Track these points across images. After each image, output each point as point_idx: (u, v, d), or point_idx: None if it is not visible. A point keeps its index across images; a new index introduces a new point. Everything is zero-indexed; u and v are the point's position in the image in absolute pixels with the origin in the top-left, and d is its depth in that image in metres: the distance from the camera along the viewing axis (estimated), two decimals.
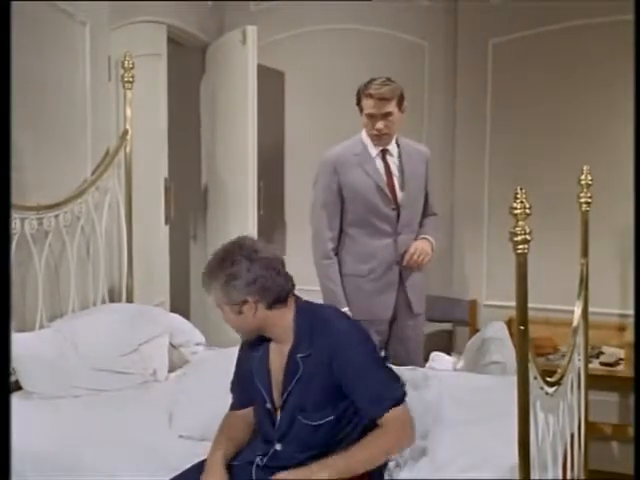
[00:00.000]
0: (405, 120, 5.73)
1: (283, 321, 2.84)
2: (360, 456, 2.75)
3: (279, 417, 2.85)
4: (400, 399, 2.79)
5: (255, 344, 2.92)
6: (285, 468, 2.77)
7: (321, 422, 2.78)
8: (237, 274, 2.75)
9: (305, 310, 2.88)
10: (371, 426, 2.81)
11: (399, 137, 4.35)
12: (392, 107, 4.16)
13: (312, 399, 2.78)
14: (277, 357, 2.87)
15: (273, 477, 2.73)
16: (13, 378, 3.80)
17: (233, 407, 3.05)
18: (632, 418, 3.13)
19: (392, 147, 4.30)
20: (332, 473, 2.69)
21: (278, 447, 2.84)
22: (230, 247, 2.82)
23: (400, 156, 4.30)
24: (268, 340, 2.90)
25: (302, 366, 2.79)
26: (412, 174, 4.29)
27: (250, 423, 3.00)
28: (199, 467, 2.86)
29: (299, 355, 2.79)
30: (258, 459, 2.84)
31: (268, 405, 2.87)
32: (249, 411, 3.00)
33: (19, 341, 3.78)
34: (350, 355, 2.78)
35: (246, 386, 2.96)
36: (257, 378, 2.90)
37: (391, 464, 2.91)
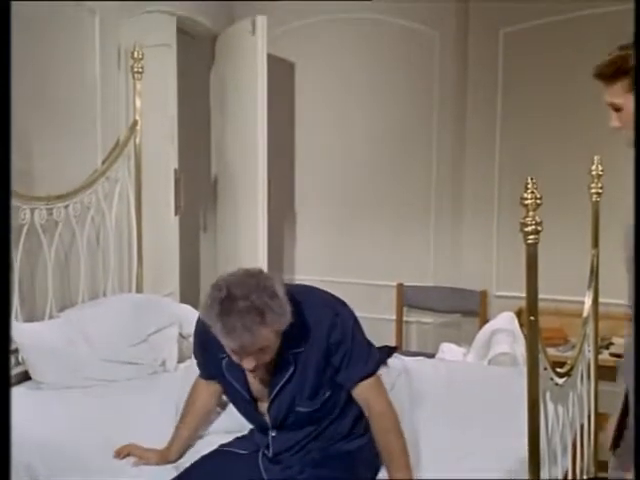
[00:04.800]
0: (415, 110, 5.75)
1: None
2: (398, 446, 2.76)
3: (271, 410, 2.82)
4: (373, 372, 2.82)
5: (219, 345, 2.73)
6: (290, 450, 2.82)
7: (319, 404, 2.79)
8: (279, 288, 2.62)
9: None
10: None
11: None
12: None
13: (309, 388, 2.77)
14: None
15: None
16: (22, 368, 3.81)
17: (200, 376, 3.07)
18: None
19: None
20: None
21: (274, 434, 2.85)
22: (246, 278, 2.58)
23: None
24: None
25: (294, 363, 2.74)
26: None
27: (216, 393, 3.06)
28: (202, 462, 2.86)
29: (291, 352, 2.72)
30: (265, 450, 2.85)
31: (245, 402, 2.88)
32: (215, 382, 3.02)
33: (28, 331, 3.79)
34: (347, 339, 2.77)
35: (212, 366, 2.93)
36: (232, 378, 2.85)
37: None
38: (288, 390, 2.77)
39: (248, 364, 2.61)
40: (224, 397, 3.12)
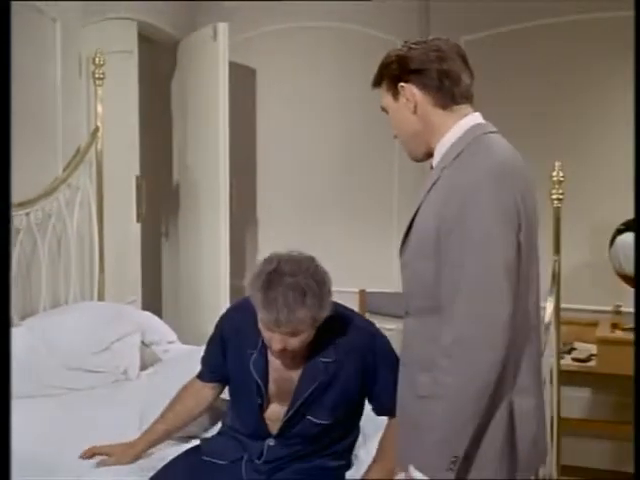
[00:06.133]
0: (377, 116, 5.75)
1: None
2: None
3: (286, 416, 2.77)
4: None
5: (248, 339, 2.77)
6: (281, 460, 2.78)
7: (332, 421, 2.77)
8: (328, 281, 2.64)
9: None
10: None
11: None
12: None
13: (329, 401, 2.74)
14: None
15: None
16: None
17: (201, 377, 3.05)
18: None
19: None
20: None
21: (271, 443, 2.79)
22: (301, 258, 2.63)
23: None
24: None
25: (324, 371, 2.72)
26: None
27: (207, 400, 3.03)
28: (182, 458, 2.88)
29: (322, 360, 2.71)
30: (255, 458, 2.80)
31: (259, 401, 2.80)
32: (211, 387, 3.02)
33: None
34: (381, 364, 2.78)
35: (221, 366, 2.92)
36: (256, 372, 2.78)
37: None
38: (311, 396, 2.73)
39: (277, 344, 2.59)
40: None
